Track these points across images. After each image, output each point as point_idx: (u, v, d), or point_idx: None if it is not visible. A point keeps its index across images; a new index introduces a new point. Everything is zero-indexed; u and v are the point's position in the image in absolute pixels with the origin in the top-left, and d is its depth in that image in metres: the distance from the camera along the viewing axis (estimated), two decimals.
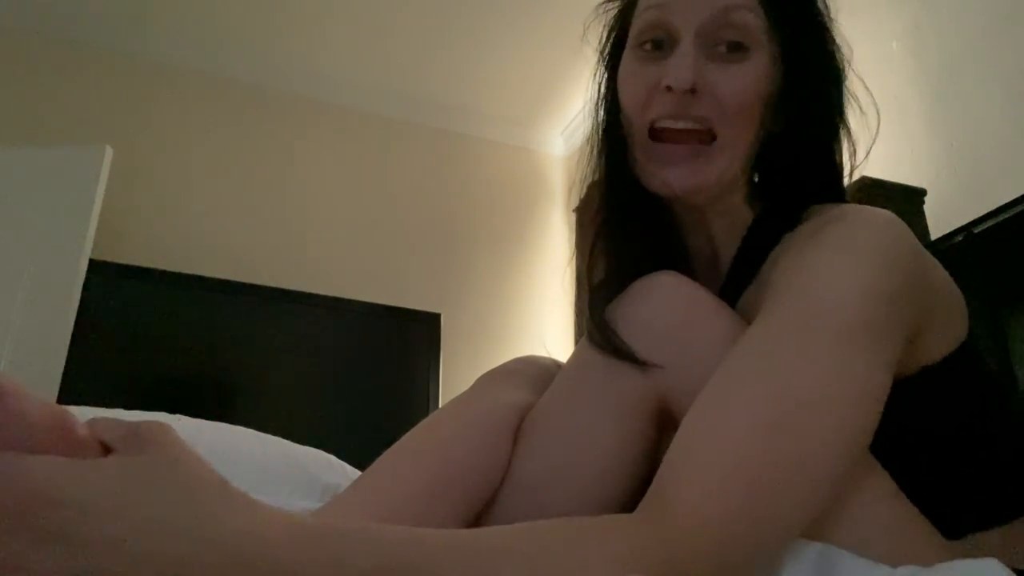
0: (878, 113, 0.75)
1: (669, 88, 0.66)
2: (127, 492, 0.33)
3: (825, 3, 0.73)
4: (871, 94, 0.75)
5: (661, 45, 0.70)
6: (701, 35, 0.67)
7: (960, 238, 1.58)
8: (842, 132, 0.73)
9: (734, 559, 0.46)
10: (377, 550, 0.37)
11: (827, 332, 0.52)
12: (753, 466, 0.47)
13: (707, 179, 0.69)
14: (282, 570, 0.34)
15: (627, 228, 0.76)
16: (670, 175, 0.69)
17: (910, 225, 0.62)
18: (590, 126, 0.81)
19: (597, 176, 0.79)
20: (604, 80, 0.80)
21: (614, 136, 0.76)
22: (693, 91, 0.66)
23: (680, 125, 0.68)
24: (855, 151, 0.74)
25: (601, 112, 0.79)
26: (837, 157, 0.74)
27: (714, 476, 0.47)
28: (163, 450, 0.36)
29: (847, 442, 0.50)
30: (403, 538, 0.39)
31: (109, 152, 2.45)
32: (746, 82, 0.67)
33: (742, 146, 0.69)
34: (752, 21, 0.67)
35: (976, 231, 1.56)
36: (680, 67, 0.66)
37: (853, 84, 0.74)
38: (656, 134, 0.69)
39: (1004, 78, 1.87)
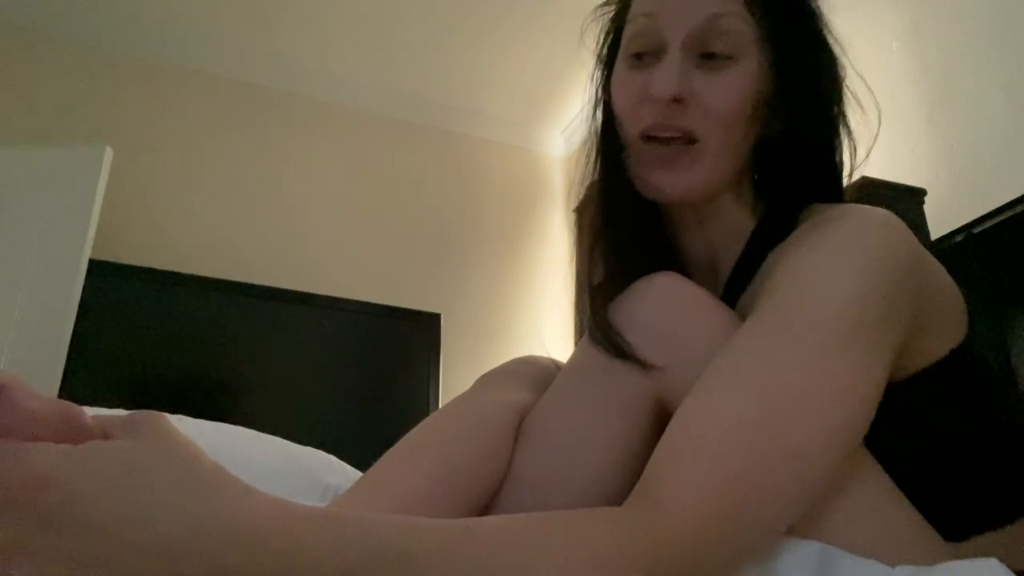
0: (879, 113, 0.75)
1: (654, 97, 0.67)
2: (120, 476, 0.33)
3: (819, 5, 0.73)
4: (873, 94, 0.75)
5: (650, 53, 0.70)
6: (689, 43, 0.68)
7: (960, 238, 1.58)
8: (841, 132, 0.73)
9: (718, 553, 0.46)
10: (371, 539, 0.37)
11: (818, 330, 0.52)
12: (738, 462, 0.47)
13: (694, 183, 0.69)
14: (276, 556, 0.34)
15: (624, 230, 0.76)
16: (658, 179, 0.70)
17: (910, 225, 0.61)
18: (588, 127, 0.81)
19: (595, 177, 0.80)
20: (601, 83, 0.80)
21: (610, 139, 0.77)
22: (679, 100, 0.67)
23: (667, 134, 0.68)
24: (855, 151, 0.74)
25: (598, 114, 0.80)
26: (836, 158, 0.74)
27: (699, 471, 0.47)
28: (157, 436, 0.36)
29: (834, 439, 0.50)
30: (397, 527, 0.39)
31: (109, 152, 2.45)
32: (733, 90, 0.67)
33: (730, 151, 0.70)
34: (740, 28, 0.68)
35: (976, 231, 1.56)
36: (664, 77, 0.67)
37: (853, 84, 0.74)
38: (646, 140, 0.70)
39: (1004, 78, 1.87)
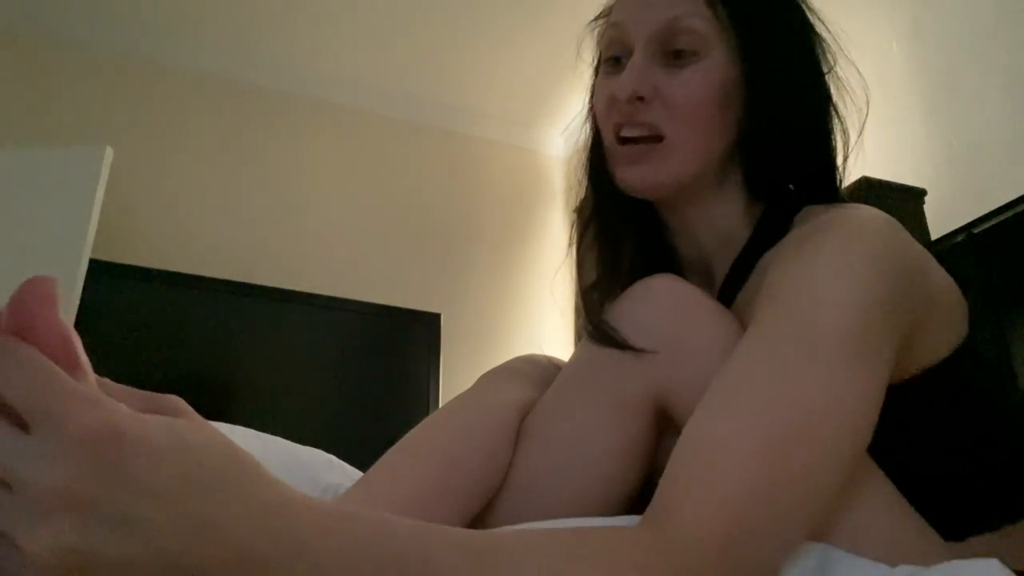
0: (867, 106, 0.76)
1: (616, 97, 0.70)
2: (179, 449, 0.33)
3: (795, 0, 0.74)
4: (865, 83, 0.75)
5: (622, 59, 0.74)
6: (651, 45, 0.71)
7: (960, 238, 1.58)
8: (832, 126, 0.73)
9: (738, 572, 0.46)
10: (393, 540, 0.37)
11: (823, 343, 0.52)
12: (755, 479, 0.47)
13: (661, 177, 0.71)
14: (301, 547, 0.34)
15: (616, 232, 0.79)
16: (627, 174, 0.72)
17: (910, 225, 0.61)
18: (584, 134, 0.85)
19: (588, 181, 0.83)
20: (590, 92, 0.84)
21: (599, 143, 0.79)
22: (641, 98, 0.70)
23: (634, 132, 0.71)
24: (847, 144, 0.74)
25: (590, 120, 0.83)
26: (827, 152, 0.74)
27: (716, 490, 0.47)
28: (199, 419, 0.37)
29: (847, 450, 0.50)
30: (418, 530, 0.39)
31: (109, 152, 2.45)
32: (694, 85, 0.69)
33: (698, 146, 0.71)
34: (701, 26, 0.70)
35: (976, 231, 1.56)
36: (624, 79, 0.70)
37: (849, 79, 0.74)
38: (621, 141, 0.73)
39: (1004, 78, 1.87)
